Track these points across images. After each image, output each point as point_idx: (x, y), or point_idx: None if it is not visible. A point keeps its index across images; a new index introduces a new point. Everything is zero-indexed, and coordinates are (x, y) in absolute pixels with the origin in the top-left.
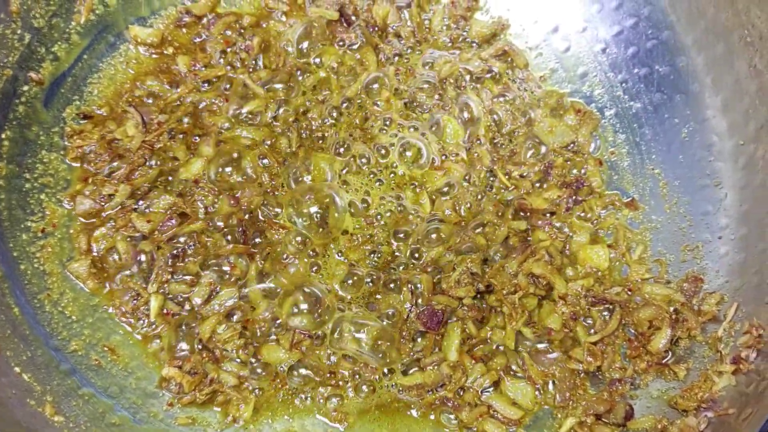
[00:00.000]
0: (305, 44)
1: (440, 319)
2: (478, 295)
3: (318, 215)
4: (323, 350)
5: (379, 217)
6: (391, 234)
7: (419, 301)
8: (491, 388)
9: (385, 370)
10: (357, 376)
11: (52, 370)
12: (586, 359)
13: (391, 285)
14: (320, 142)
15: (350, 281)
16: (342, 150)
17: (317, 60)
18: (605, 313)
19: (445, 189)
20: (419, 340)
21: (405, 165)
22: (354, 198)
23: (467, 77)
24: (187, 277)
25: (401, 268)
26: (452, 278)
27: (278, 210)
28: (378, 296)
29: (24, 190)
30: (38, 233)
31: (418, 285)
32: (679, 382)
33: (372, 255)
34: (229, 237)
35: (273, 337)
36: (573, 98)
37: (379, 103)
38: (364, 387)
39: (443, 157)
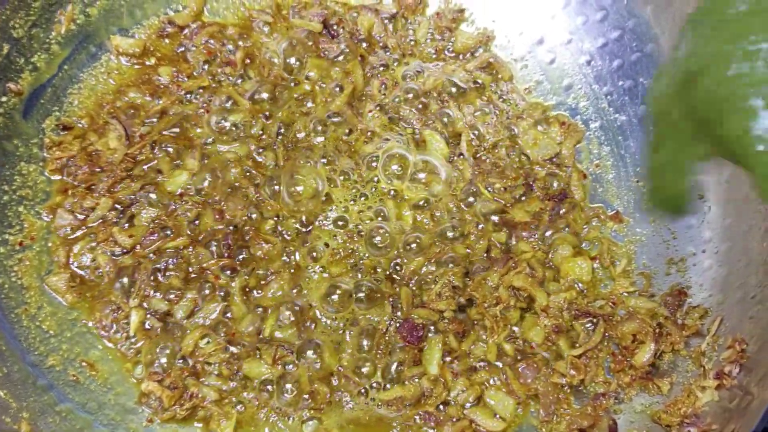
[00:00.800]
0: (291, 57)
1: (420, 333)
2: (459, 309)
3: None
4: (305, 369)
5: (359, 229)
6: (369, 245)
7: (398, 314)
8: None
9: (366, 386)
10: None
11: (29, 387)
12: (570, 372)
13: (371, 298)
14: (306, 161)
15: (333, 296)
16: (325, 161)
17: (302, 72)
18: (588, 326)
19: (428, 200)
20: (398, 354)
21: (390, 177)
22: (336, 210)
23: (452, 89)
24: (170, 293)
25: (380, 283)
26: (433, 291)
27: (264, 216)
28: (369, 316)
29: (2, 202)
30: (16, 246)
31: (398, 298)
32: (663, 397)
33: (354, 268)
34: (214, 250)
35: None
36: (558, 110)
37: (364, 116)
38: (345, 400)
39: (424, 173)
